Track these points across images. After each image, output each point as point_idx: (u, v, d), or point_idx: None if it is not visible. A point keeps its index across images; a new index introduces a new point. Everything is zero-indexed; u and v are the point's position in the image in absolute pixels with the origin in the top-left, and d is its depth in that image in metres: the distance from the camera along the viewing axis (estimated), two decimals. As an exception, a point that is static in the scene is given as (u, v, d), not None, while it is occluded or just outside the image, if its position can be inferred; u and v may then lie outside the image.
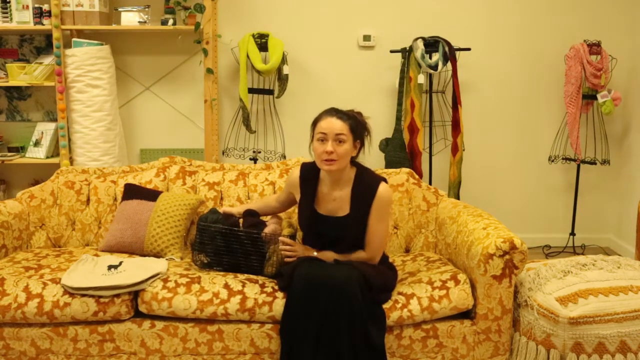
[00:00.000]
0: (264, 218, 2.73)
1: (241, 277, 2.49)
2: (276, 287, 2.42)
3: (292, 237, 2.60)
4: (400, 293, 2.42)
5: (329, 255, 2.45)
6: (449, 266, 2.61)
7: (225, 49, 4.11)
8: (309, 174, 2.54)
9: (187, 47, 4.07)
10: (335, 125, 2.36)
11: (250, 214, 2.70)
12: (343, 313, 2.23)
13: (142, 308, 2.41)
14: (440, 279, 2.45)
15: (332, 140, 2.35)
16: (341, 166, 2.41)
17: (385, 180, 2.48)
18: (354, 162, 2.51)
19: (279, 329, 2.35)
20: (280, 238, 2.51)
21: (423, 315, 2.37)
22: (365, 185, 2.44)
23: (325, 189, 2.50)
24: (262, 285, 2.43)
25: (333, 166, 2.37)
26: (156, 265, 2.55)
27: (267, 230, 2.59)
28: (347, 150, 2.38)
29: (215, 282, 2.43)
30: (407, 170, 3.06)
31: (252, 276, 2.51)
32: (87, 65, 3.75)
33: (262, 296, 2.38)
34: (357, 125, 2.42)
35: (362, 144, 2.48)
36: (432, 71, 3.89)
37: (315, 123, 2.44)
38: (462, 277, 2.45)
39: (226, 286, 2.41)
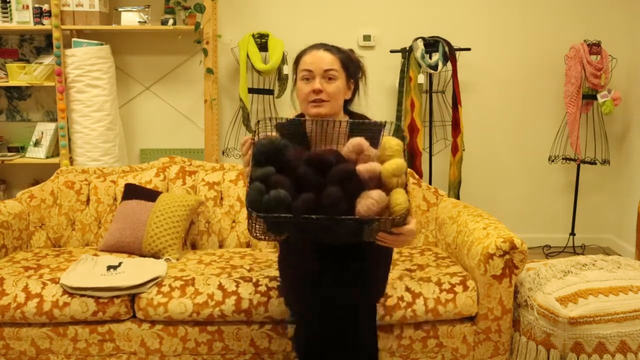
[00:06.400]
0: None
1: (235, 275, 2.49)
2: (270, 285, 2.41)
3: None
4: (407, 289, 2.39)
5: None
6: (458, 267, 2.58)
7: (225, 49, 4.11)
8: (291, 132, 1.95)
9: (187, 47, 4.07)
10: (323, 59, 1.97)
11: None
12: (349, 343, 2.02)
13: (139, 315, 2.41)
14: (449, 281, 2.43)
15: (320, 77, 1.96)
16: (333, 110, 1.99)
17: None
18: (347, 109, 2.09)
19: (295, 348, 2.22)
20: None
21: (426, 316, 2.37)
22: (364, 137, 1.93)
23: (314, 146, 2.00)
24: (256, 284, 2.42)
25: (322, 109, 1.96)
26: (156, 267, 2.54)
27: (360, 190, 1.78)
28: (339, 88, 1.98)
29: (210, 283, 2.42)
30: (408, 170, 3.05)
31: (245, 274, 2.50)
32: (87, 65, 3.75)
33: (256, 296, 2.37)
34: (350, 62, 2.05)
35: (357, 87, 2.09)
36: (432, 71, 3.89)
37: (298, 60, 2.03)
38: (471, 283, 2.42)
39: (220, 287, 2.41)
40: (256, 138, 1.80)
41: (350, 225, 1.68)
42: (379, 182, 1.76)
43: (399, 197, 1.73)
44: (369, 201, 1.69)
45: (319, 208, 1.67)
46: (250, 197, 1.68)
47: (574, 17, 4.15)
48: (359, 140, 1.81)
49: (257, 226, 1.71)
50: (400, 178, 1.76)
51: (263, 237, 1.77)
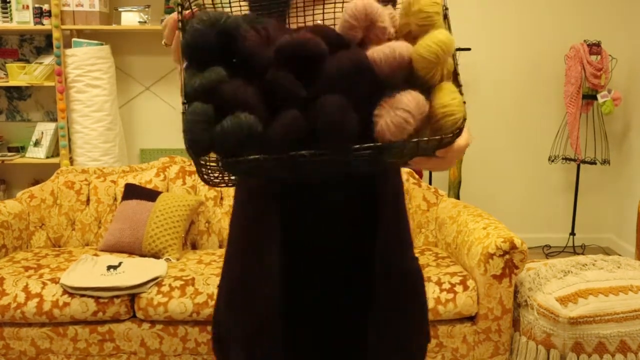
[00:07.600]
0: None
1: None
2: None
3: None
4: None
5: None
6: (458, 267, 2.58)
7: (225, 49, 4.10)
8: None
9: (187, 47, 4.07)
10: None
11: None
12: None
13: (139, 314, 2.41)
14: (449, 281, 2.44)
15: None
16: None
17: None
18: None
19: None
20: None
21: (426, 316, 2.37)
22: None
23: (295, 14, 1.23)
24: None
25: None
26: (156, 267, 2.54)
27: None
28: None
29: (210, 283, 2.42)
30: (407, 170, 3.05)
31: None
32: (87, 65, 3.75)
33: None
34: None
35: None
36: (432, 71, 3.88)
37: None
38: (471, 283, 2.43)
39: (224, 286, 2.41)
40: (186, 14, 1.00)
41: (367, 157, 0.95)
42: (408, 74, 0.99)
43: (447, 97, 1.00)
44: (398, 116, 0.93)
45: (311, 133, 0.93)
46: (190, 133, 0.91)
47: (574, 17, 4.15)
48: (365, 2, 0.99)
49: (209, 170, 0.97)
50: (446, 63, 1.02)
51: (223, 182, 1.04)
